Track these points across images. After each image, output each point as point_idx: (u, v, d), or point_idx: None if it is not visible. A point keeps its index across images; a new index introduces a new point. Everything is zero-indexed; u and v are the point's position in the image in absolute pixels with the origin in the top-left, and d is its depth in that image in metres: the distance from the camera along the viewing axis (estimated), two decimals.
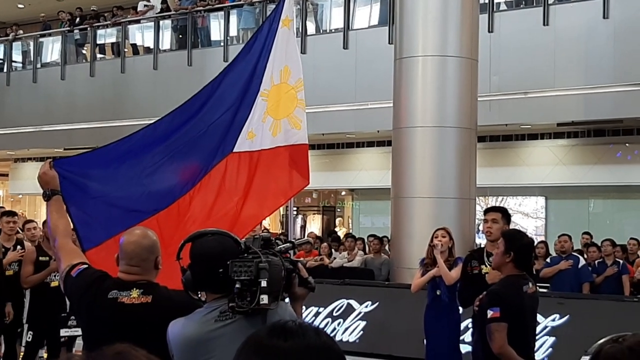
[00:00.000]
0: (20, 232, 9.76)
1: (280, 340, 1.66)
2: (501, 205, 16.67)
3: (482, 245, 7.79)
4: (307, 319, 11.31)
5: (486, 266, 6.84)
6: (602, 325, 9.16)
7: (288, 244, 3.55)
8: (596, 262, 12.09)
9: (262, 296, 3.14)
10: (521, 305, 5.15)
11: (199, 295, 3.42)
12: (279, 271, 3.27)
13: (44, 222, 9.55)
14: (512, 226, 7.50)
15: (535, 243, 11.28)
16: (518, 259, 5.21)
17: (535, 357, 5.91)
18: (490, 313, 5.05)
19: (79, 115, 21.12)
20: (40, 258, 8.46)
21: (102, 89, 21.23)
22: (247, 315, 3.19)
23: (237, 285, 3.15)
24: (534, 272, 8.40)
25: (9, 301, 8.65)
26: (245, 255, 3.24)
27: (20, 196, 29.07)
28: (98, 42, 22.38)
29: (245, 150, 5.76)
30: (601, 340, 2.30)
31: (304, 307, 11.61)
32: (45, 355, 8.98)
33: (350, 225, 22.66)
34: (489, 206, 11.57)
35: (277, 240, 3.54)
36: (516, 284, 5.20)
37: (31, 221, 9.83)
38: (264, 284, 3.15)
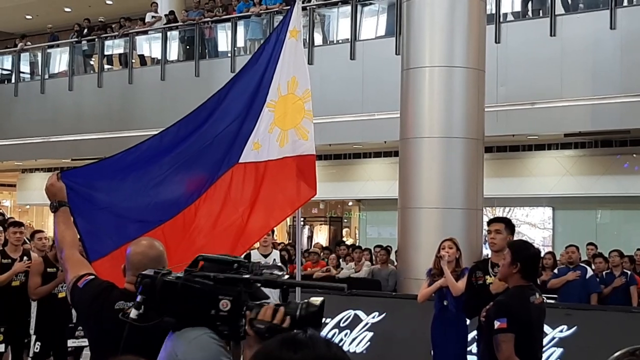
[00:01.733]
0: (28, 242, 9.78)
1: (290, 351, 1.66)
2: (508, 216, 16.66)
3: (489, 256, 7.78)
4: None
5: (491, 276, 6.84)
6: (610, 337, 9.12)
7: (243, 277, 2.96)
8: (604, 273, 12.05)
9: (132, 309, 2.98)
10: (528, 316, 5.14)
11: None
12: (171, 293, 2.91)
13: (33, 233, 9.61)
14: (519, 237, 7.50)
15: (543, 254, 11.26)
16: (525, 270, 5.20)
17: None
18: (497, 324, 5.04)
19: (87, 126, 21.18)
20: (48, 269, 8.47)
21: (109, 100, 21.28)
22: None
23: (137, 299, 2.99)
24: (541, 283, 8.40)
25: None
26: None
27: (28, 207, 29.14)
28: (106, 53, 22.44)
29: (251, 161, 5.76)
30: (617, 353, 2.29)
31: None
32: None
33: (357, 235, 22.65)
34: (492, 217, 11.57)
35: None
36: (523, 295, 5.18)
37: (41, 231, 9.84)
38: (138, 298, 2.95)
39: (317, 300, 2.77)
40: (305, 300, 2.78)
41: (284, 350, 1.67)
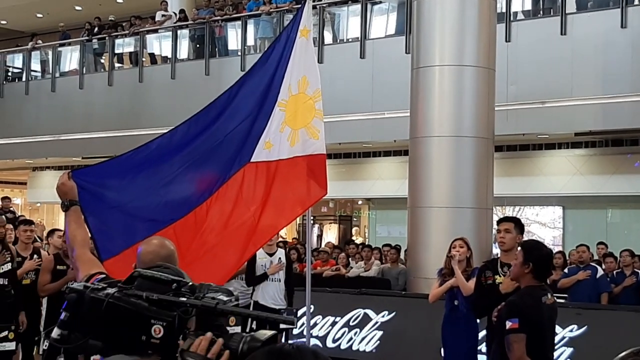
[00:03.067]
0: (38, 240, 9.80)
1: None
2: (518, 215, 16.63)
3: (499, 256, 7.76)
4: (324, 329, 11.31)
5: (500, 276, 6.83)
6: (620, 336, 9.10)
7: (180, 300, 2.53)
8: (614, 272, 12.03)
9: (55, 328, 2.62)
10: (540, 316, 5.13)
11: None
12: (95, 308, 2.55)
13: (51, 231, 9.64)
14: (529, 236, 7.48)
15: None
16: (537, 270, 5.19)
17: None
18: (509, 324, 5.03)
19: (97, 124, 21.22)
20: (58, 267, 8.48)
21: (120, 98, 21.32)
22: None
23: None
24: (551, 282, 8.39)
25: (23, 310, 8.68)
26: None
27: (39, 205, 29.21)
28: (116, 51, 22.49)
29: (263, 160, 5.77)
30: (622, 354, 2.29)
31: (320, 316, 11.41)
32: None
33: (367, 234, 22.64)
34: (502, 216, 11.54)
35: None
36: (535, 295, 5.17)
37: (59, 229, 9.85)
38: (62, 316, 2.61)
39: (264, 334, 2.39)
40: (250, 334, 2.43)
41: None
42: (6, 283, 8.55)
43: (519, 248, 5.56)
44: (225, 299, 2.54)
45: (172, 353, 2.51)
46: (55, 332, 2.60)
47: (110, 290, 2.54)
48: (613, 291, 11.62)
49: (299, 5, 6.54)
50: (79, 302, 2.58)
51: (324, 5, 18.45)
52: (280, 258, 10.02)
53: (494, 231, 12.29)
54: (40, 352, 8.62)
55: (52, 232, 9.58)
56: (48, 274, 8.51)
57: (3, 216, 10.07)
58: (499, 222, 7.32)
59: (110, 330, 2.53)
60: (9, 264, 8.56)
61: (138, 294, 2.53)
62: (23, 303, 8.73)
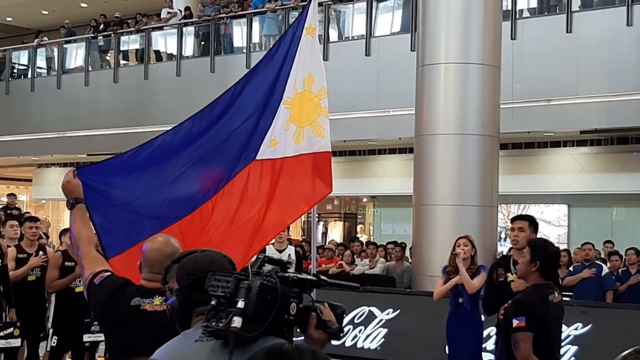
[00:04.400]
0: (43, 237, 9.80)
1: None
2: (524, 213, 16.60)
3: (504, 253, 7.76)
4: None
5: (512, 274, 6.83)
6: (625, 334, 9.09)
7: (312, 278, 2.89)
8: (620, 270, 12.02)
9: (234, 318, 2.63)
10: (547, 315, 5.12)
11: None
12: (269, 298, 2.68)
13: (64, 230, 9.65)
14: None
15: None
16: (544, 268, 5.19)
17: None
18: (515, 322, 5.03)
19: (103, 121, 21.24)
20: (66, 263, 8.48)
21: (125, 95, 21.34)
22: (222, 341, 2.73)
23: (212, 302, 2.71)
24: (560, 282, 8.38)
25: (14, 307, 8.69)
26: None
27: (44, 201, 29.28)
28: (121, 48, 22.50)
29: (268, 157, 5.77)
30: (624, 352, 2.28)
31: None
32: None
33: (372, 232, 22.64)
34: (515, 214, 11.49)
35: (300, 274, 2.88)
36: (542, 294, 5.17)
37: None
38: (240, 304, 2.64)
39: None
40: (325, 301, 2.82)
41: None
42: None
43: (527, 246, 5.55)
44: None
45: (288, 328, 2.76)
46: (237, 321, 2.62)
47: (273, 282, 2.69)
48: (618, 289, 11.62)
49: (305, 3, 6.53)
50: (250, 289, 2.66)
51: (330, 2, 18.43)
52: (290, 254, 10.03)
53: (499, 229, 12.31)
54: (48, 349, 8.64)
55: (65, 231, 9.59)
56: (56, 270, 8.51)
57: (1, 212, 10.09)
58: (513, 220, 7.31)
59: (268, 314, 2.66)
60: None
61: (284, 275, 2.74)
62: (26, 300, 8.75)
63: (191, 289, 2.99)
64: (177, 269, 3.14)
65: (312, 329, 2.88)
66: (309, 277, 2.85)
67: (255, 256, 2.97)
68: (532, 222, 7.08)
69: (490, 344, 9.25)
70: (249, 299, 2.65)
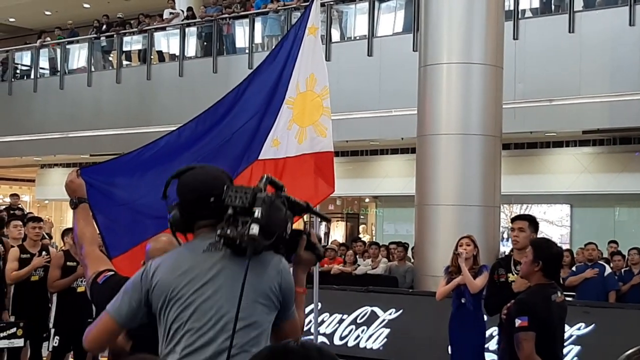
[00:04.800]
0: (47, 237, 9.81)
1: None
2: (526, 213, 16.59)
3: (507, 253, 7.75)
4: (331, 326, 11.32)
5: (513, 274, 6.83)
6: (628, 335, 9.09)
7: (303, 203, 3.20)
8: (622, 270, 12.02)
9: (252, 225, 2.88)
10: (549, 315, 5.13)
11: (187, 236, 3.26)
12: (279, 213, 2.99)
13: (66, 230, 9.66)
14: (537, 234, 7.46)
15: None
16: (546, 268, 5.19)
17: None
18: (518, 322, 5.03)
19: (105, 121, 21.26)
20: (68, 263, 8.50)
21: (128, 96, 21.36)
22: (235, 252, 2.99)
23: (229, 212, 2.94)
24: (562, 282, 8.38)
25: (6, 309, 8.72)
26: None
27: (47, 202, 29.28)
28: (124, 49, 22.53)
29: (270, 157, 5.77)
30: (628, 352, 2.29)
31: (328, 314, 11.47)
32: None
33: (374, 232, 22.63)
34: (516, 214, 11.52)
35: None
36: (544, 293, 5.17)
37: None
38: (257, 214, 2.89)
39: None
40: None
41: (275, 359, 1.64)
42: None
43: (529, 246, 5.55)
44: None
45: (294, 247, 3.19)
46: (255, 229, 2.89)
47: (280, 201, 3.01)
48: (621, 289, 11.62)
49: (307, 3, 6.54)
50: (265, 201, 2.95)
51: (332, 2, 18.44)
52: None
53: (502, 229, 12.31)
54: (50, 349, 8.65)
55: (67, 231, 9.60)
56: (58, 269, 8.52)
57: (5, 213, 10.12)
58: (513, 220, 7.32)
59: (277, 227, 2.98)
60: None
61: (285, 196, 3.07)
62: (29, 300, 8.77)
63: (195, 204, 3.15)
64: (179, 185, 3.24)
65: (302, 250, 3.23)
66: (300, 202, 3.16)
67: (261, 176, 3.14)
68: (533, 222, 7.09)
69: (492, 344, 9.26)
70: (264, 209, 2.90)
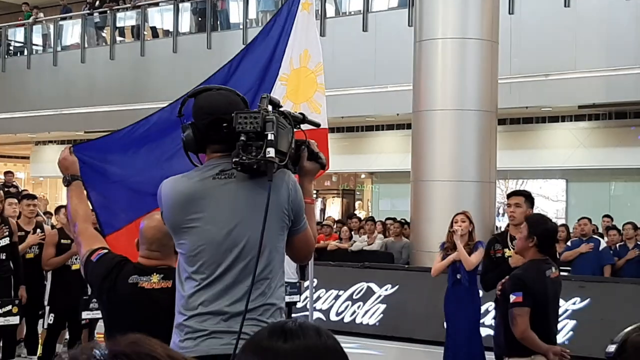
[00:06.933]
0: (41, 215, 9.80)
1: (280, 341, 1.61)
2: (522, 188, 16.61)
3: (502, 228, 7.75)
4: (327, 302, 11.34)
5: (509, 249, 6.83)
6: (622, 309, 9.13)
7: (299, 115, 3.36)
8: (617, 245, 12.03)
9: (268, 149, 2.96)
10: (544, 290, 5.13)
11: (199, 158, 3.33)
12: (287, 130, 3.10)
13: (58, 208, 9.64)
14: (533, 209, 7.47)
15: None
16: (541, 244, 5.18)
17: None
18: (512, 297, 5.03)
19: (99, 98, 21.18)
20: (62, 241, 8.49)
21: (121, 72, 21.27)
22: (250, 175, 3.06)
23: (242, 138, 3.00)
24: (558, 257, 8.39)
25: (24, 284, 8.71)
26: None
27: (42, 179, 29.23)
28: (118, 25, 22.41)
29: None
30: (627, 329, 2.27)
31: (324, 290, 11.53)
32: (67, 337, 9.05)
33: (370, 208, 22.65)
34: (512, 190, 11.53)
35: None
36: (539, 269, 5.17)
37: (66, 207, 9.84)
38: (270, 136, 2.97)
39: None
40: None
41: (273, 339, 1.63)
42: (4, 257, 8.56)
43: (524, 222, 5.54)
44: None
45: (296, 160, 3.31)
46: (272, 151, 2.97)
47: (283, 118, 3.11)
48: (616, 264, 11.63)
49: None
50: (274, 123, 3.02)
51: None
52: None
53: (497, 204, 12.31)
54: (45, 327, 8.66)
55: (59, 208, 9.58)
56: (52, 247, 8.52)
57: (1, 191, 10.09)
58: (509, 195, 7.32)
59: (288, 144, 3.11)
60: (7, 239, 8.56)
61: (285, 111, 3.18)
62: (24, 277, 8.75)
63: (208, 127, 3.19)
64: (194, 106, 3.28)
65: (305, 161, 3.32)
66: (296, 114, 3.33)
67: (261, 96, 3.20)
68: (528, 198, 7.09)
69: (488, 319, 9.29)
70: (276, 132, 2.98)
